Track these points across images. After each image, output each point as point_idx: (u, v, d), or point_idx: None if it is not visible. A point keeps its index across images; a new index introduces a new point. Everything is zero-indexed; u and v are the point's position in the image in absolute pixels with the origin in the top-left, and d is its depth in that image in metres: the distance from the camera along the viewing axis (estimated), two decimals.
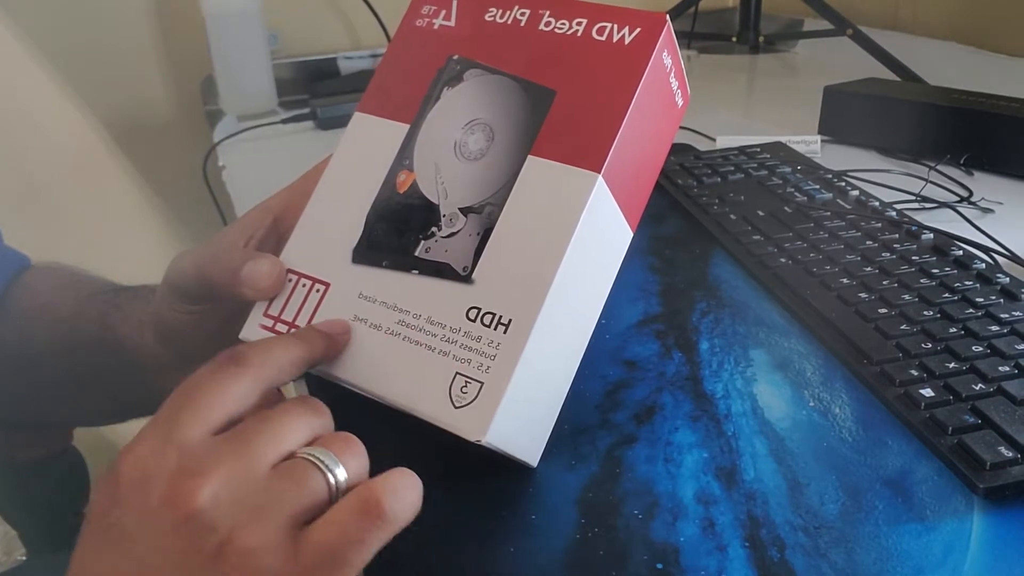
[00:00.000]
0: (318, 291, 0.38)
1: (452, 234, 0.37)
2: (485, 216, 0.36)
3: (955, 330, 0.49)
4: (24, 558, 1.07)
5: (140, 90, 1.23)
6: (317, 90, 1.17)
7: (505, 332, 0.34)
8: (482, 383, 0.33)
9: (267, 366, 0.33)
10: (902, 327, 0.50)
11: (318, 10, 1.30)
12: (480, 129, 0.38)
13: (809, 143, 0.87)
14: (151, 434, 0.31)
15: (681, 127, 0.95)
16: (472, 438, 0.33)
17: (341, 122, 1.06)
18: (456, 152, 0.38)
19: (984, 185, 0.75)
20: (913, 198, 0.72)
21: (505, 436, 0.34)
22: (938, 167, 0.78)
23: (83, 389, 0.57)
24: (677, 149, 0.88)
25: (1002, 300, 0.52)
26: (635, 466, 0.42)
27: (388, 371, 0.35)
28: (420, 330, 0.35)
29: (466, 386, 0.33)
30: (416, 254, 0.37)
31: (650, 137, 0.40)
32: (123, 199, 1.26)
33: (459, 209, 0.37)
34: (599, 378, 0.49)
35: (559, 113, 0.37)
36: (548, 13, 0.39)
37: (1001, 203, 0.71)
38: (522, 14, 0.39)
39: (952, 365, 0.46)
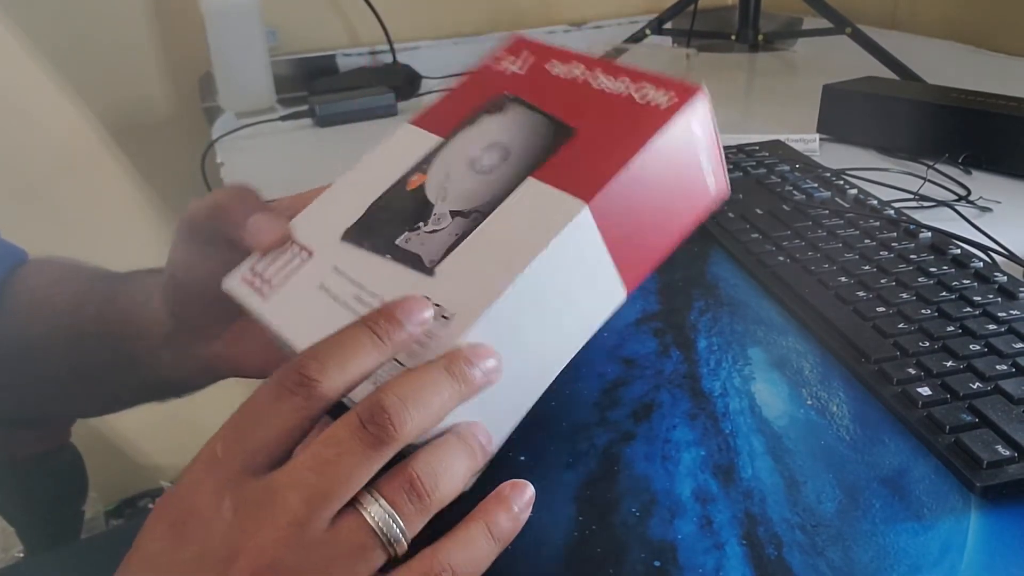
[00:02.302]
0: (302, 258, 0.39)
1: (435, 231, 0.37)
2: (470, 221, 0.37)
3: (953, 329, 0.49)
4: (21, 554, 1.07)
5: (138, 87, 1.23)
6: (316, 87, 1.17)
7: (443, 326, 0.34)
8: (403, 365, 0.33)
9: (338, 389, 0.31)
10: (900, 326, 0.50)
11: (317, 7, 1.29)
12: (497, 149, 0.40)
13: (808, 142, 0.87)
14: (206, 475, 0.31)
15: None
16: None
17: (339, 119, 1.06)
18: (469, 164, 0.40)
19: (982, 184, 0.75)
20: (911, 197, 0.72)
21: None
22: (936, 166, 0.78)
23: (84, 379, 0.57)
24: None
25: (1000, 299, 0.52)
26: (633, 464, 0.42)
27: (320, 335, 0.35)
28: (368, 307, 0.35)
29: (390, 367, 0.33)
30: (396, 242, 0.38)
31: (662, 201, 0.39)
32: (121, 196, 1.26)
33: (450, 211, 0.38)
34: (597, 376, 0.49)
35: (572, 148, 0.38)
36: (601, 72, 0.41)
37: (999, 202, 0.71)
38: (578, 70, 0.42)
39: (950, 364, 0.46)
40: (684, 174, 0.39)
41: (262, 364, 0.48)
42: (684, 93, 0.38)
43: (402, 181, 0.41)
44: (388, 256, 0.38)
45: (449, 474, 0.31)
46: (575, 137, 0.39)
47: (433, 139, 0.42)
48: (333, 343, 0.32)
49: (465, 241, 0.36)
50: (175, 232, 0.45)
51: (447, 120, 0.43)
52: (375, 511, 0.30)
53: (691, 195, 0.40)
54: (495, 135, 0.41)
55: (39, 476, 0.80)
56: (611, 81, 0.41)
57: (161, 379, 0.52)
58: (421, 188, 0.40)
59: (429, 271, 0.36)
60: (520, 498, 0.33)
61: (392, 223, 0.39)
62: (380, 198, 0.41)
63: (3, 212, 0.67)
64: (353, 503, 0.30)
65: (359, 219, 0.40)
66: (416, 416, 0.31)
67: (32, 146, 1.18)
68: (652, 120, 0.38)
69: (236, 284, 0.40)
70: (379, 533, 0.30)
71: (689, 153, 0.39)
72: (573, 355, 0.38)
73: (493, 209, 0.37)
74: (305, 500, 0.29)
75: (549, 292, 0.36)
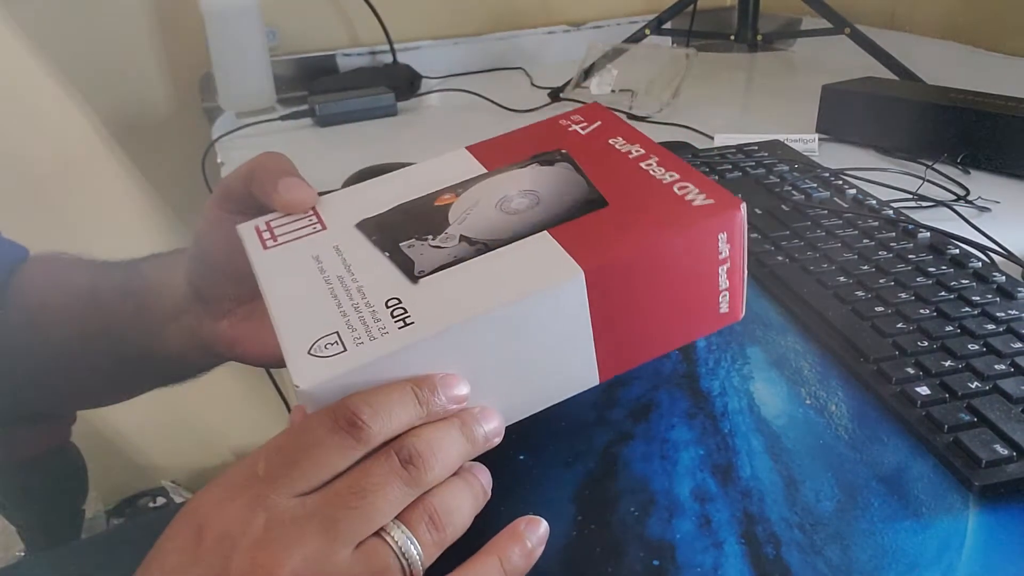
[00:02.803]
0: (314, 229, 0.41)
1: (438, 247, 0.38)
2: (473, 250, 0.38)
3: (951, 328, 0.49)
4: (22, 554, 1.07)
5: (139, 87, 1.23)
6: (316, 87, 1.17)
7: (400, 328, 0.34)
8: (345, 350, 0.34)
9: (383, 436, 0.33)
10: (898, 325, 0.50)
11: (317, 7, 1.30)
12: (530, 197, 0.41)
13: (807, 141, 0.87)
14: (243, 489, 0.32)
15: (679, 125, 0.97)
16: (294, 381, 0.33)
17: (339, 119, 1.06)
18: (499, 201, 0.41)
19: (981, 184, 0.76)
20: (910, 197, 0.73)
21: (322, 399, 0.34)
22: (935, 166, 0.78)
23: (93, 369, 0.58)
24: (675, 147, 0.88)
25: (998, 299, 0.52)
26: (631, 463, 0.42)
27: (293, 300, 0.37)
28: (346, 291, 0.37)
29: (333, 344, 0.34)
30: (400, 244, 0.39)
31: (665, 301, 0.39)
32: (122, 196, 1.26)
33: (460, 234, 0.39)
34: None
35: (597, 218, 0.39)
36: (655, 159, 0.42)
37: (998, 202, 0.72)
38: (636, 151, 0.43)
39: (948, 363, 0.46)
40: (696, 282, 0.40)
41: (261, 351, 0.49)
42: (723, 201, 0.39)
43: (434, 195, 0.42)
44: (387, 254, 0.38)
45: (460, 511, 0.34)
46: (605, 209, 0.39)
47: (479, 168, 0.44)
48: (384, 395, 0.33)
49: (459, 265, 0.37)
50: (210, 199, 0.47)
51: (499, 156, 0.45)
52: (397, 536, 0.32)
53: (698, 306, 0.40)
54: (534, 183, 0.42)
55: (40, 475, 0.80)
56: (661, 170, 0.42)
57: (164, 357, 0.53)
58: (447, 207, 0.41)
59: (414, 279, 0.37)
60: (534, 534, 0.35)
61: (405, 227, 0.40)
62: (407, 203, 0.42)
63: (4, 211, 0.67)
64: (376, 531, 0.32)
65: (379, 214, 0.41)
66: (440, 464, 0.33)
67: (33, 146, 1.18)
68: (681, 216, 0.38)
69: (247, 229, 0.42)
70: (400, 556, 0.32)
71: (707, 262, 0.39)
72: (521, 417, 0.38)
73: (498, 248, 0.38)
74: (341, 520, 0.31)
75: (515, 344, 0.36)
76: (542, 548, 0.35)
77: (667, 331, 0.40)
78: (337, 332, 0.35)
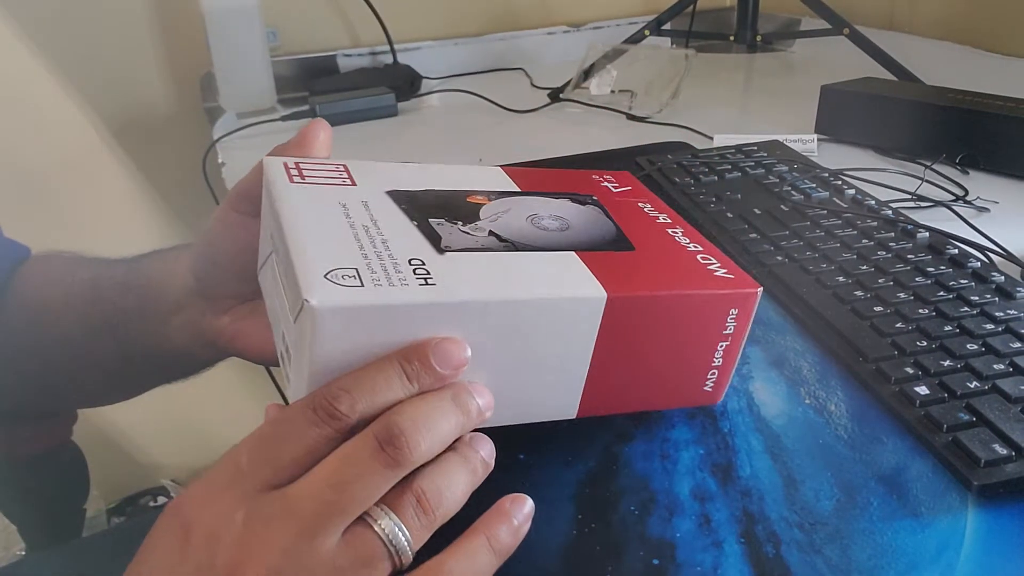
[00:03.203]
0: (342, 181, 0.40)
1: (467, 233, 0.38)
2: (502, 246, 0.38)
3: (950, 328, 0.49)
4: (23, 553, 1.07)
5: (140, 87, 1.23)
6: (316, 87, 1.17)
7: (420, 286, 0.33)
8: (360, 285, 0.33)
9: (358, 425, 0.32)
10: (897, 325, 0.50)
11: (318, 7, 1.30)
12: (561, 221, 0.42)
13: (806, 142, 0.87)
14: (225, 486, 0.31)
15: (679, 125, 0.97)
16: (303, 295, 0.31)
17: (340, 119, 1.06)
18: (530, 217, 0.41)
19: (979, 184, 0.76)
20: (909, 197, 0.73)
21: (327, 329, 0.32)
22: (934, 166, 0.78)
23: (96, 366, 0.58)
24: (674, 148, 0.88)
25: (997, 298, 0.52)
26: (632, 462, 0.43)
27: (314, 231, 0.35)
28: (370, 239, 0.36)
29: (351, 277, 0.33)
30: (429, 219, 0.38)
31: (661, 359, 0.40)
32: (122, 196, 1.26)
33: (490, 230, 0.39)
34: None
35: (623, 258, 0.40)
36: (681, 230, 0.44)
37: (997, 202, 0.72)
38: (664, 219, 0.45)
39: (947, 363, 0.47)
40: (695, 349, 0.40)
41: (260, 347, 0.49)
42: (742, 280, 0.40)
43: (466, 192, 0.42)
44: (415, 223, 0.38)
45: (451, 491, 0.33)
46: (631, 252, 0.40)
47: (513, 186, 0.45)
48: (366, 379, 0.32)
49: (487, 253, 0.37)
50: (224, 201, 0.47)
51: (532, 182, 0.45)
52: (385, 524, 0.31)
53: (688, 374, 0.41)
54: (565, 212, 0.43)
55: (41, 474, 0.80)
56: (686, 239, 0.43)
57: (167, 352, 0.53)
58: (479, 206, 0.41)
59: (440, 250, 0.36)
60: (520, 511, 0.35)
61: (436, 208, 0.40)
62: (439, 190, 0.42)
63: (5, 211, 0.67)
64: (362, 516, 0.31)
65: (411, 190, 0.41)
66: (428, 440, 0.32)
67: (33, 146, 1.18)
68: (703, 278, 0.39)
69: (274, 163, 0.40)
70: (387, 544, 0.31)
71: (712, 332, 0.40)
72: (492, 424, 0.37)
73: (527, 251, 0.38)
74: (319, 514, 0.30)
75: (517, 345, 0.36)
76: (528, 525, 0.35)
77: (651, 389, 0.41)
78: (356, 268, 0.33)
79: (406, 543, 0.31)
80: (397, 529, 0.31)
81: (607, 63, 1.14)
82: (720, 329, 0.40)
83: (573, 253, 0.39)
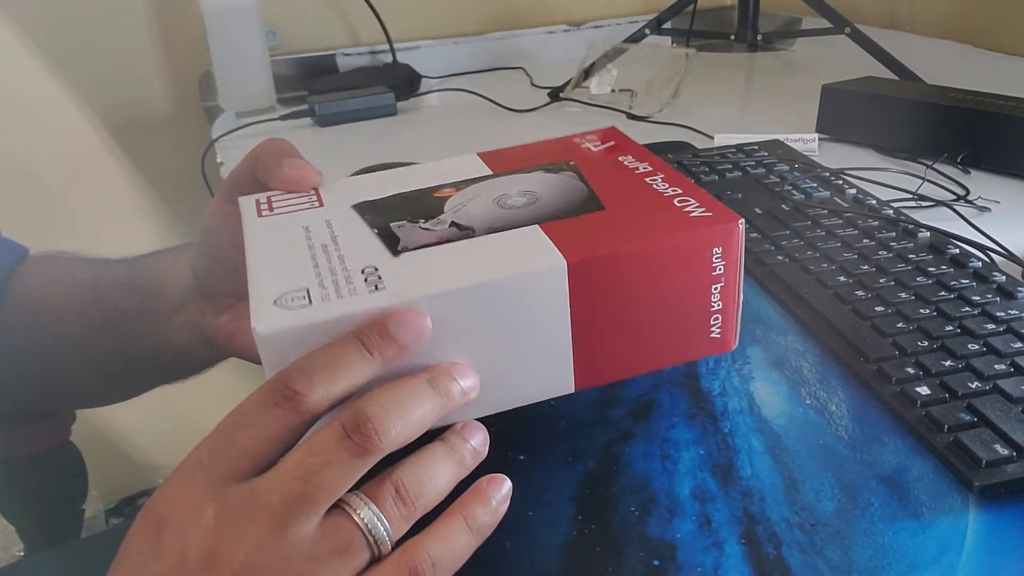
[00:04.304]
0: (311, 205, 0.42)
1: (427, 230, 0.38)
2: (461, 235, 0.38)
3: (951, 328, 0.49)
4: (22, 553, 1.07)
5: (138, 86, 1.23)
6: (315, 86, 1.17)
7: (369, 292, 0.34)
8: (309, 303, 0.33)
9: (327, 402, 0.32)
10: (898, 325, 0.50)
11: (317, 6, 1.30)
12: (528, 196, 0.41)
13: (807, 141, 0.87)
14: (191, 480, 0.31)
15: (679, 125, 0.97)
16: (252, 323, 0.33)
17: (339, 119, 1.06)
18: (497, 198, 0.41)
19: (981, 184, 0.76)
20: (910, 196, 0.73)
21: (276, 352, 0.33)
22: (935, 166, 0.78)
23: (96, 366, 0.58)
24: (675, 147, 0.88)
25: (998, 298, 0.52)
26: (632, 463, 0.42)
27: (272, 258, 0.37)
28: (327, 256, 0.37)
29: (300, 299, 0.34)
30: (390, 224, 0.39)
31: (652, 310, 0.38)
32: (121, 195, 1.26)
33: (451, 221, 0.39)
34: None
35: (591, 220, 0.39)
36: (661, 176, 0.43)
37: (998, 202, 0.72)
38: (644, 168, 0.44)
39: (948, 363, 0.46)
40: (687, 296, 0.39)
41: None
42: (721, 215, 0.39)
43: (435, 188, 0.43)
44: (375, 230, 0.39)
45: (434, 482, 0.33)
46: (600, 212, 0.39)
47: (485, 170, 0.45)
48: (323, 356, 0.32)
49: (443, 246, 0.37)
50: (217, 193, 0.47)
51: (508, 162, 0.45)
52: (364, 513, 0.31)
53: (687, 324, 0.40)
54: (534, 185, 0.42)
55: (39, 475, 0.80)
56: (665, 185, 0.42)
57: (168, 351, 0.53)
58: (445, 199, 0.42)
59: (395, 253, 0.37)
60: (498, 492, 0.34)
61: (400, 210, 0.41)
62: (408, 192, 0.43)
63: (4, 211, 0.67)
64: (340, 505, 0.31)
65: (376, 199, 0.42)
66: (399, 426, 0.31)
67: (32, 145, 1.18)
68: (675, 223, 0.38)
69: (248, 201, 0.43)
70: (366, 533, 0.31)
71: (700, 276, 0.39)
72: (488, 412, 0.37)
73: (487, 234, 0.38)
74: (288, 505, 0.30)
75: (485, 327, 0.36)
76: (506, 505, 0.34)
77: (652, 347, 0.40)
78: (307, 289, 0.34)
79: (385, 533, 0.31)
80: (376, 519, 0.31)
81: (607, 62, 1.14)
82: (708, 271, 0.38)
83: (536, 227, 0.38)
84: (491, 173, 0.44)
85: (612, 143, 0.47)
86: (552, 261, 0.36)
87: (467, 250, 0.37)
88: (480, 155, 0.47)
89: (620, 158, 0.45)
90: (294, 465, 0.30)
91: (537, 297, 0.36)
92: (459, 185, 0.43)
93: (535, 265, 0.36)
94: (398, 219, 0.40)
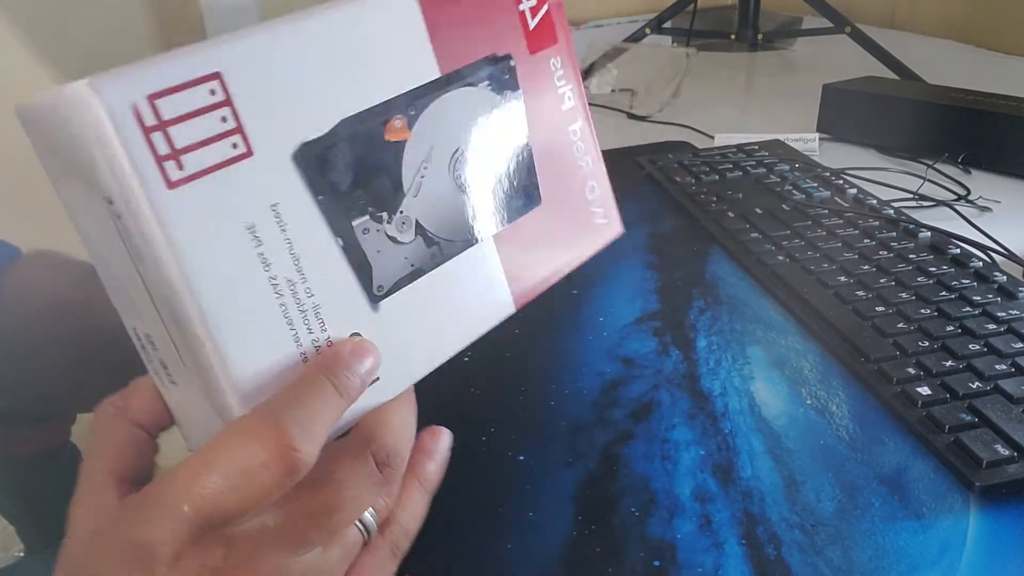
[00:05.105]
0: (234, 148, 0.27)
1: (394, 240, 0.31)
2: (429, 255, 0.32)
3: (952, 328, 0.49)
4: (21, 554, 1.07)
5: None
6: None
7: (367, 387, 0.31)
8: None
9: (313, 457, 0.28)
10: (899, 325, 0.50)
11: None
12: (468, 164, 0.34)
13: (807, 141, 0.87)
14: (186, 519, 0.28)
15: (680, 124, 0.97)
16: (226, 401, 0.29)
17: None
18: (451, 161, 0.33)
19: (981, 183, 0.75)
20: (911, 196, 0.72)
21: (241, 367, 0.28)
22: (936, 165, 0.78)
23: (90, 367, 0.57)
24: (675, 147, 0.88)
25: (999, 299, 0.52)
26: (632, 463, 0.42)
27: (218, 283, 0.27)
28: (296, 301, 0.29)
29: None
30: (353, 223, 0.30)
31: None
32: None
33: (416, 221, 0.32)
34: (596, 375, 0.49)
35: (531, 231, 0.36)
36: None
37: (998, 201, 0.71)
38: (568, 104, 0.38)
39: (949, 363, 0.46)
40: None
41: None
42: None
43: (379, 116, 0.30)
44: (340, 240, 0.30)
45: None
46: (538, 211, 0.36)
47: (431, 62, 0.32)
48: (307, 405, 0.29)
49: (418, 283, 0.32)
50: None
51: (454, 45, 0.33)
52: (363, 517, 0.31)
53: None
54: (483, 140, 0.34)
55: (39, 474, 0.80)
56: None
57: None
58: (401, 149, 0.31)
59: (374, 299, 0.31)
60: (443, 445, 0.35)
61: (356, 180, 0.30)
62: (349, 123, 0.30)
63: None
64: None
65: (320, 139, 0.29)
66: (316, 436, 0.28)
67: (29, 145, 1.18)
68: (591, 234, 0.37)
69: (114, 112, 0.26)
70: (360, 528, 0.32)
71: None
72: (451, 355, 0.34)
73: (451, 255, 0.33)
74: (301, 546, 0.30)
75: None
76: (448, 455, 0.35)
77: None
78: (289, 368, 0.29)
79: (372, 519, 0.32)
80: (368, 515, 0.32)
81: (608, 61, 1.14)
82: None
83: (494, 251, 0.34)
84: (438, 75, 0.32)
85: (542, 19, 0.36)
86: (507, 307, 0.35)
87: (440, 291, 0.33)
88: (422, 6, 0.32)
89: (552, 62, 0.36)
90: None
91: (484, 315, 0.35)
92: (408, 111, 0.31)
93: (500, 313, 0.35)
94: (358, 210, 0.30)
